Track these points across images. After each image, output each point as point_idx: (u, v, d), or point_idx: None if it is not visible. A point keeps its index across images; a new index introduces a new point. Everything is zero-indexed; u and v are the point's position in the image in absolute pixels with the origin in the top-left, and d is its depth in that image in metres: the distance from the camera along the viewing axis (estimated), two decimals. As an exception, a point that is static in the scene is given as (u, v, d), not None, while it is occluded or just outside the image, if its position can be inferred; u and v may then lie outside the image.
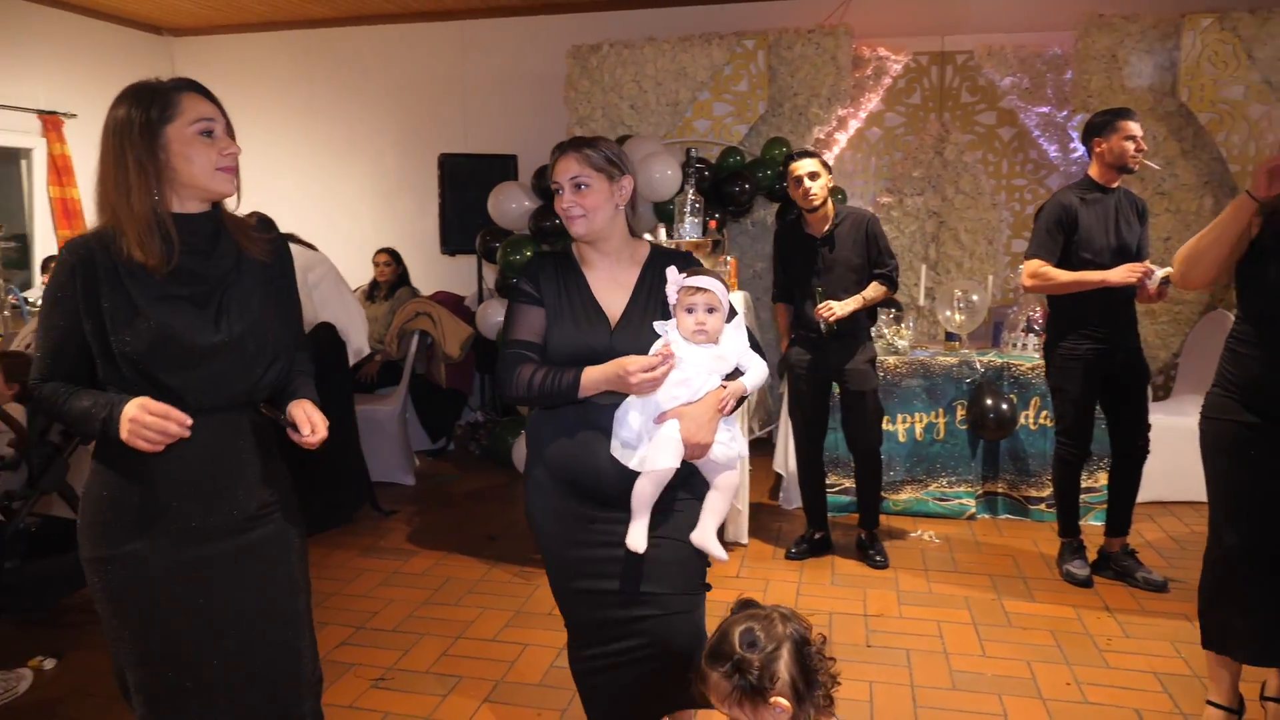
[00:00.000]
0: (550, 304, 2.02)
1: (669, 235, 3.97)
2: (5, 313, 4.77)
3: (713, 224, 4.09)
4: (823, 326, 3.60)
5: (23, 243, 6.51)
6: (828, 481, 4.21)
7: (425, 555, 4.07)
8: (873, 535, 3.92)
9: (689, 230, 3.85)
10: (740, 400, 1.98)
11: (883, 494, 4.39)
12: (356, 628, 3.33)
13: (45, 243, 6.55)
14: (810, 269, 3.71)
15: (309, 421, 1.74)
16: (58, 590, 3.42)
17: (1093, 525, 4.08)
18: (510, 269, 5.19)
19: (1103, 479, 4.19)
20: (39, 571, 3.40)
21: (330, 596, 3.60)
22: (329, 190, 7.29)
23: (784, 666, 1.43)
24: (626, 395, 1.92)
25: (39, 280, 5.95)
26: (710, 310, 1.94)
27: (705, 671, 1.47)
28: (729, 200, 5.24)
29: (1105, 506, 3.69)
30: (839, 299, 3.60)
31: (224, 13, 6.95)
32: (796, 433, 3.98)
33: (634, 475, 1.91)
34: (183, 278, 1.70)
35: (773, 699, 1.43)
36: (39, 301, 5.10)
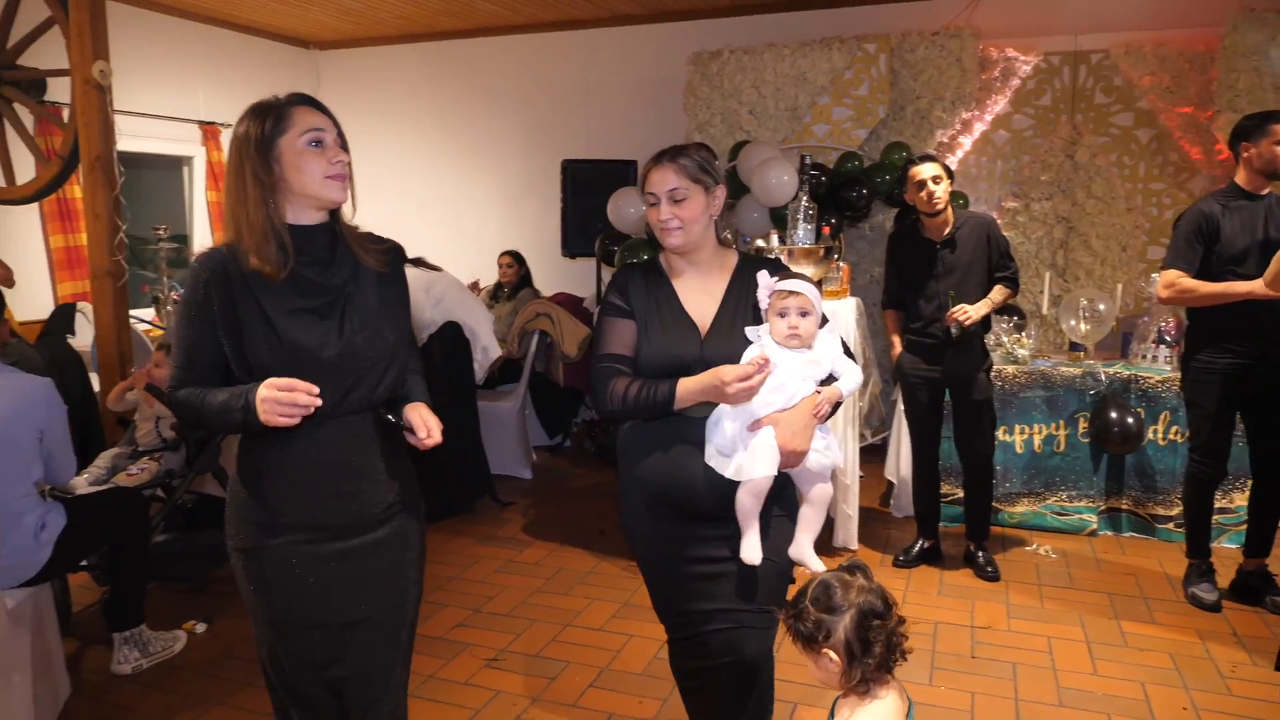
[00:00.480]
0: (640, 315, 2.02)
1: (781, 241, 4.01)
2: (169, 307, 5.22)
3: (826, 230, 4.10)
4: (954, 330, 3.57)
5: (183, 243, 7.09)
6: (941, 491, 4.16)
7: (539, 546, 4.24)
8: (983, 546, 3.85)
9: (802, 236, 3.87)
10: (836, 406, 1.96)
11: (998, 506, 4.31)
12: (473, 610, 3.52)
13: (203, 243, 7.12)
14: (929, 274, 3.68)
15: (424, 425, 1.81)
16: (210, 562, 3.74)
17: (1226, 548, 3.88)
18: (627, 272, 5.33)
19: (1239, 499, 3.98)
20: (194, 544, 3.74)
21: (450, 580, 3.82)
22: (458, 194, 7.63)
23: (842, 628, 1.54)
24: (718, 405, 1.93)
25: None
26: (803, 314, 1.92)
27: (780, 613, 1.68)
28: (846, 206, 5.22)
29: (1241, 528, 3.52)
30: (969, 303, 3.57)
31: (365, 27, 7.37)
32: (912, 440, 3.96)
33: (729, 487, 1.91)
34: (305, 289, 1.78)
35: (824, 650, 1.55)
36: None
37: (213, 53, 7.11)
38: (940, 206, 3.59)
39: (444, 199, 7.64)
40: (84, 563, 3.31)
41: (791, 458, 1.90)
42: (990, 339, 4.49)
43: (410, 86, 7.74)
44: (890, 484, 4.66)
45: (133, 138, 5.86)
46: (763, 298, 1.97)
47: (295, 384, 1.65)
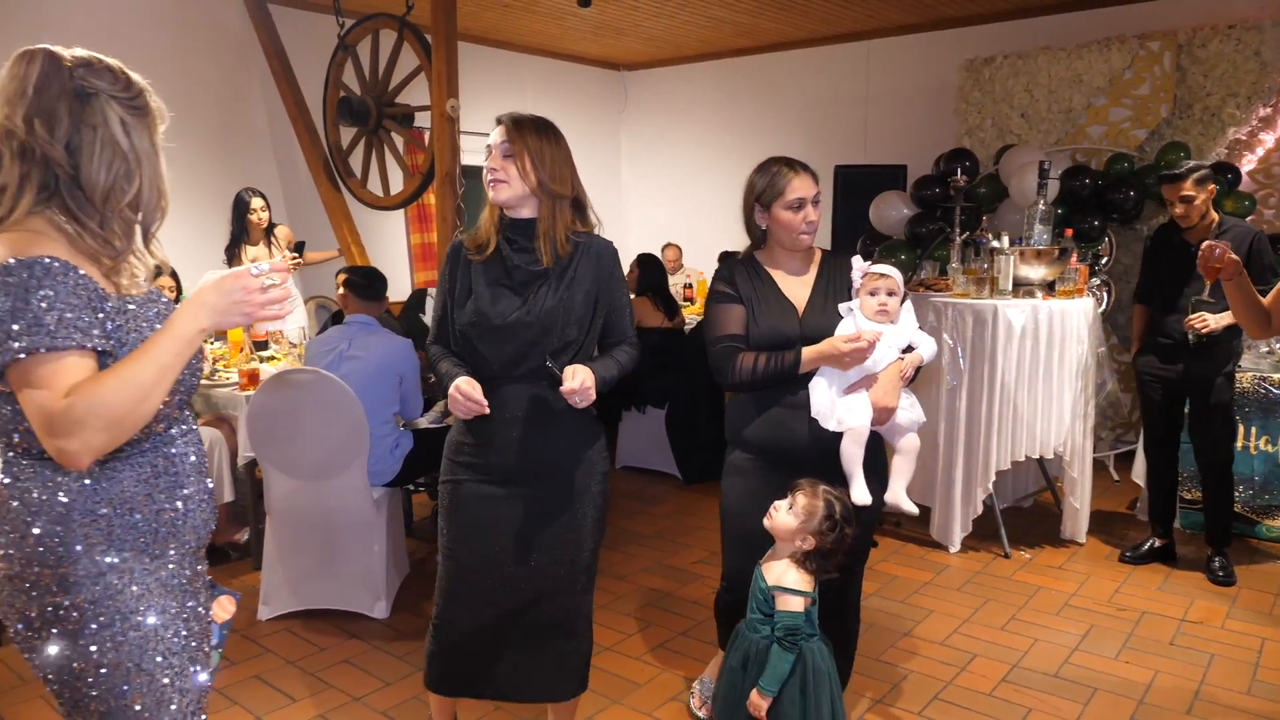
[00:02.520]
0: (748, 300, 2.40)
1: (1014, 242, 4.15)
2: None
3: (1069, 232, 4.21)
4: (1191, 337, 3.61)
5: (510, 241, 8.40)
6: (1188, 497, 4.12)
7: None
8: (1221, 553, 3.79)
9: (1038, 237, 4.03)
10: (918, 370, 2.34)
11: (1254, 518, 4.16)
12: (712, 551, 4.12)
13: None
14: (1179, 276, 3.71)
15: (573, 374, 2.01)
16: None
17: None
18: (883, 271, 5.66)
19: None
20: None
21: (696, 530, 4.45)
22: (740, 201, 8.29)
23: (831, 541, 2.08)
24: (813, 377, 2.32)
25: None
26: (890, 294, 2.31)
27: (816, 494, 2.07)
28: (1113, 208, 5.17)
29: None
30: (1214, 311, 3.56)
31: (667, 50, 8.26)
32: (1144, 438, 3.99)
33: (827, 443, 2.28)
34: (509, 269, 2.16)
35: (810, 539, 2.07)
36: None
37: (538, 78, 8.35)
38: (1193, 221, 3.62)
39: (731, 201, 8.30)
40: (421, 483, 4.36)
41: (883, 414, 2.28)
42: (1264, 346, 4.32)
43: (704, 100, 8.54)
44: (1142, 489, 4.62)
45: (474, 153, 7.16)
46: (856, 279, 2.38)
47: (472, 395, 2.03)
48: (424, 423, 4.41)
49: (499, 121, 2.19)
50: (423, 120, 5.67)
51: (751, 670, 2.12)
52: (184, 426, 1.54)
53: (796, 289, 2.46)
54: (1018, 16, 6.45)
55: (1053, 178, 4.43)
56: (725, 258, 5.25)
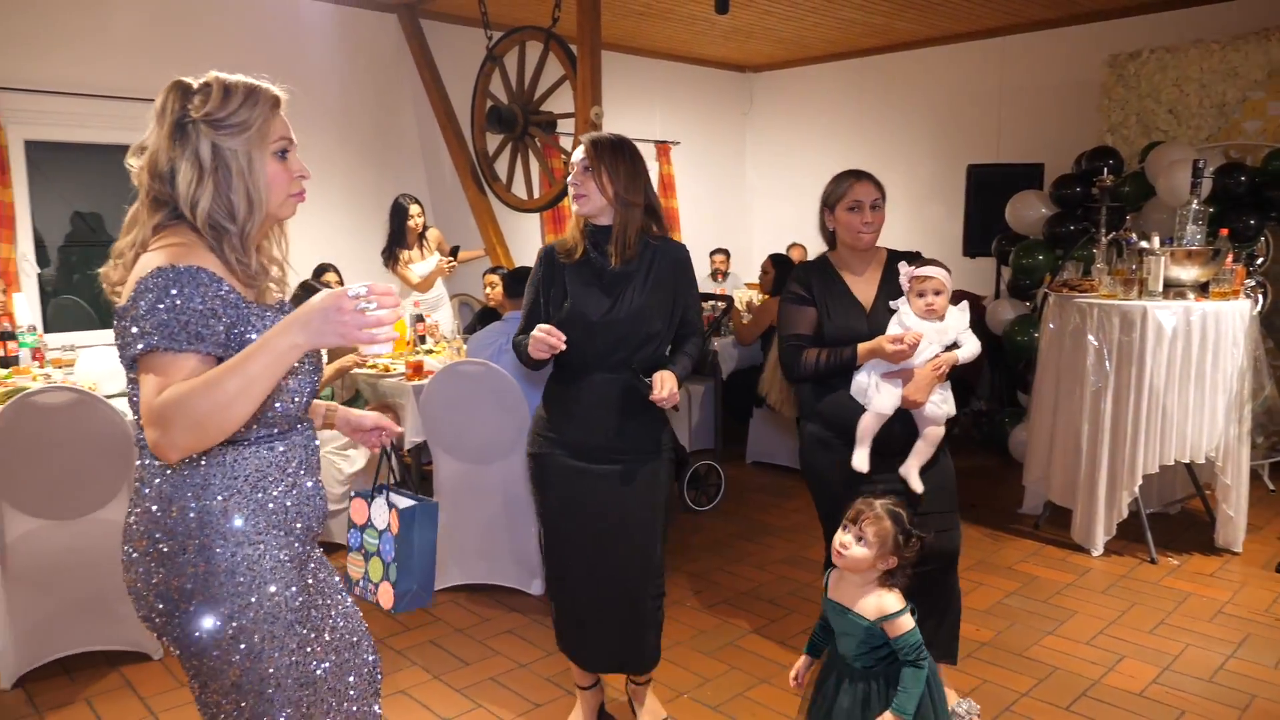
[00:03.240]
0: (820, 301, 2.67)
1: (1164, 242, 4.08)
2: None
3: (1224, 232, 4.10)
4: None
5: (638, 241, 8.63)
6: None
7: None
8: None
9: (1190, 238, 3.96)
10: (953, 368, 2.55)
11: None
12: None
13: (652, 242, 8.59)
14: None
15: (661, 385, 2.32)
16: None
17: None
18: (1021, 271, 5.61)
19: None
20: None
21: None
22: (867, 198, 8.29)
23: (906, 553, 2.04)
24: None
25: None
26: (937, 293, 2.54)
27: (882, 516, 2.00)
28: (1271, 206, 4.99)
29: None
30: None
31: (794, 52, 8.34)
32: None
33: (892, 424, 2.57)
34: (597, 271, 2.44)
35: (891, 558, 2.01)
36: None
37: (668, 83, 8.56)
38: None
39: (854, 203, 8.34)
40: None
41: (911, 405, 2.55)
42: None
43: (830, 100, 8.57)
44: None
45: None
46: (904, 282, 2.58)
47: (552, 330, 2.30)
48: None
49: (579, 142, 2.49)
50: (565, 126, 5.94)
51: (876, 707, 2.03)
52: (304, 425, 1.64)
53: (863, 288, 2.70)
54: (1166, 9, 6.25)
55: (1206, 175, 4.33)
56: (779, 261, 5.43)
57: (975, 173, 6.76)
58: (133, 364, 1.40)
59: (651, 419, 2.51)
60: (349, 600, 1.77)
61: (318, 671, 1.61)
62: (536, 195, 6.10)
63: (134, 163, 1.53)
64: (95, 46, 5.25)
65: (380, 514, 1.88)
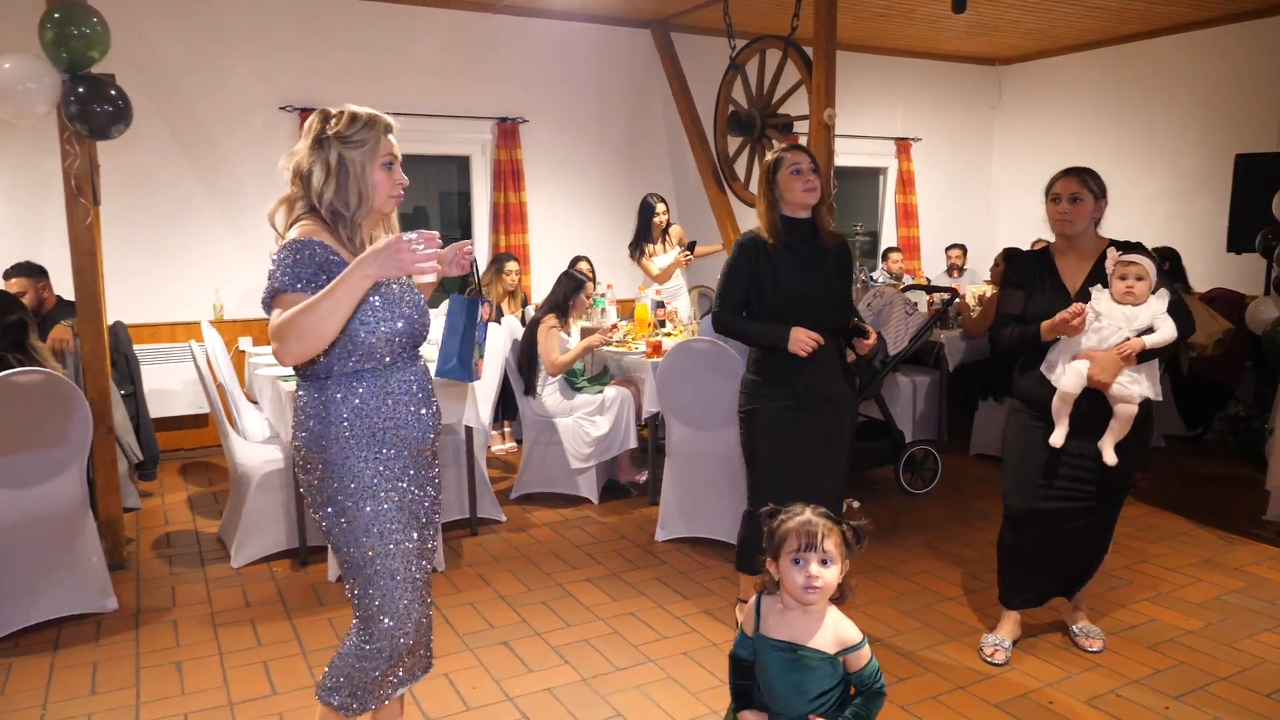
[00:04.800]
0: (1028, 286, 2.99)
1: None
2: (856, 286, 6.80)
3: None
4: None
5: (873, 238, 8.78)
6: None
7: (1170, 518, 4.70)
8: None
9: None
10: (1144, 353, 2.72)
11: None
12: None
13: (889, 238, 8.71)
14: None
15: (869, 334, 3.09)
16: (870, 462, 5.12)
17: None
18: (1285, 267, 5.25)
19: None
20: (860, 450, 5.14)
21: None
22: (1124, 193, 7.89)
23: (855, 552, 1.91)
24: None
25: (880, 266, 8.03)
26: (1139, 279, 2.73)
27: (831, 524, 1.85)
28: None
29: None
30: None
31: (1044, 42, 8.11)
32: None
33: (1079, 401, 2.79)
34: (797, 256, 3.01)
35: (846, 562, 1.88)
36: (878, 278, 7.05)
37: (910, 79, 8.61)
38: None
39: (1115, 194, 7.97)
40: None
41: (1099, 384, 2.76)
42: None
43: (1087, 90, 8.24)
44: None
45: (847, 155, 7.68)
46: (1108, 265, 2.75)
47: (815, 335, 2.92)
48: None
49: (801, 148, 3.06)
50: (801, 128, 6.28)
51: None
52: (409, 365, 2.11)
53: (1073, 275, 2.97)
54: None
55: None
56: (1009, 255, 5.42)
57: (1244, 163, 6.31)
58: (269, 302, 1.93)
59: (848, 374, 3.17)
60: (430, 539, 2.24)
61: (416, 575, 2.10)
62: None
63: (285, 165, 2.07)
64: (400, 71, 6.29)
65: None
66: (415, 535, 2.12)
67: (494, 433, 6.06)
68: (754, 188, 6.55)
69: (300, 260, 1.92)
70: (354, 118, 2.01)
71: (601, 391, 4.91)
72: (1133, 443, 2.88)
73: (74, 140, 3.67)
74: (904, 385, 5.72)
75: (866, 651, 1.88)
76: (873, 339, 3.10)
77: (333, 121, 2.01)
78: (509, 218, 6.65)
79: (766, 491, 3.11)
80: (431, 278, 1.91)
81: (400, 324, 2.05)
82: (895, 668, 3.06)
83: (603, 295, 5.92)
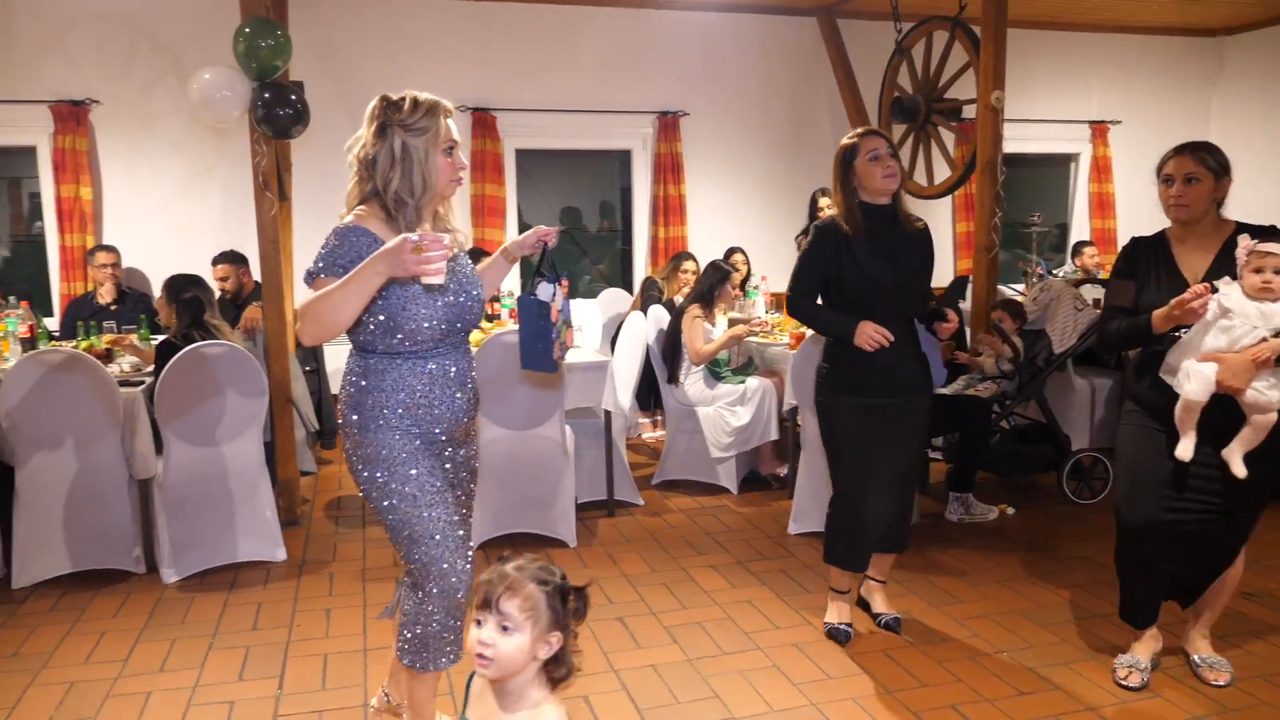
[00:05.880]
0: (1141, 276, 2.71)
1: None
2: (1033, 280, 6.38)
3: None
4: None
5: (1063, 230, 8.17)
6: None
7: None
8: None
9: None
10: None
11: None
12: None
13: (1080, 230, 8.07)
14: None
15: (953, 318, 2.98)
16: (1031, 468, 4.83)
17: None
18: None
19: None
20: (1019, 452, 4.85)
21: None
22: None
23: (573, 622, 1.50)
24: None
25: (1070, 261, 7.46)
26: (1277, 272, 2.35)
27: (520, 580, 1.45)
28: None
29: None
30: None
31: (1274, 7, 7.23)
32: None
33: (1213, 405, 2.44)
34: (877, 244, 2.92)
35: (552, 635, 1.46)
36: (1059, 273, 6.59)
37: (1109, 57, 7.94)
38: None
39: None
40: (938, 446, 4.77)
41: (1230, 390, 2.41)
42: None
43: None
44: None
45: (1019, 140, 7.20)
46: (1240, 256, 2.37)
47: (881, 330, 2.83)
48: (944, 390, 4.80)
49: (878, 133, 2.99)
50: (970, 113, 5.98)
51: None
52: (450, 350, 2.17)
53: (1195, 264, 2.65)
54: None
55: None
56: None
57: None
58: (308, 283, 2.04)
59: (925, 366, 3.08)
60: (469, 513, 2.37)
61: (458, 534, 2.17)
62: (935, 182, 6.21)
63: (351, 152, 2.15)
64: (565, 69, 6.54)
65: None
66: (450, 503, 2.19)
67: (644, 420, 6.18)
68: (919, 177, 6.33)
69: (341, 247, 2.02)
70: (416, 104, 2.06)
71: (744, 382, 4.91)
72: (1272, 451, 2.51)
73: (262, 140, 4.11)
74: (1080, 388, 5.34)
75: None
76: (953, 322, 2.98)
77: (395, 108, 2.06)
78: (668, 210, 6.76)
79: (844, 481, 3.12)
80: (439, 279, 1.89)
81: (443, 311, 2.11)
82: (1016, 681, 2.90)
83: (756, 287, 5.90)
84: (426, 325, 2.08)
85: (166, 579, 3.74)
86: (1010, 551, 4.01)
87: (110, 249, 5.35)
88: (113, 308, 5.15)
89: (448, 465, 2.24)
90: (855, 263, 2.94)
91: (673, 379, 4.98)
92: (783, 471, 5.02)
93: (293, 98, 4.04)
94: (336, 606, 3.52)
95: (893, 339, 2.86)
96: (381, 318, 2.06)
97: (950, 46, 5.75)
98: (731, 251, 6.07)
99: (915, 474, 3.16)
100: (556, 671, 1.47)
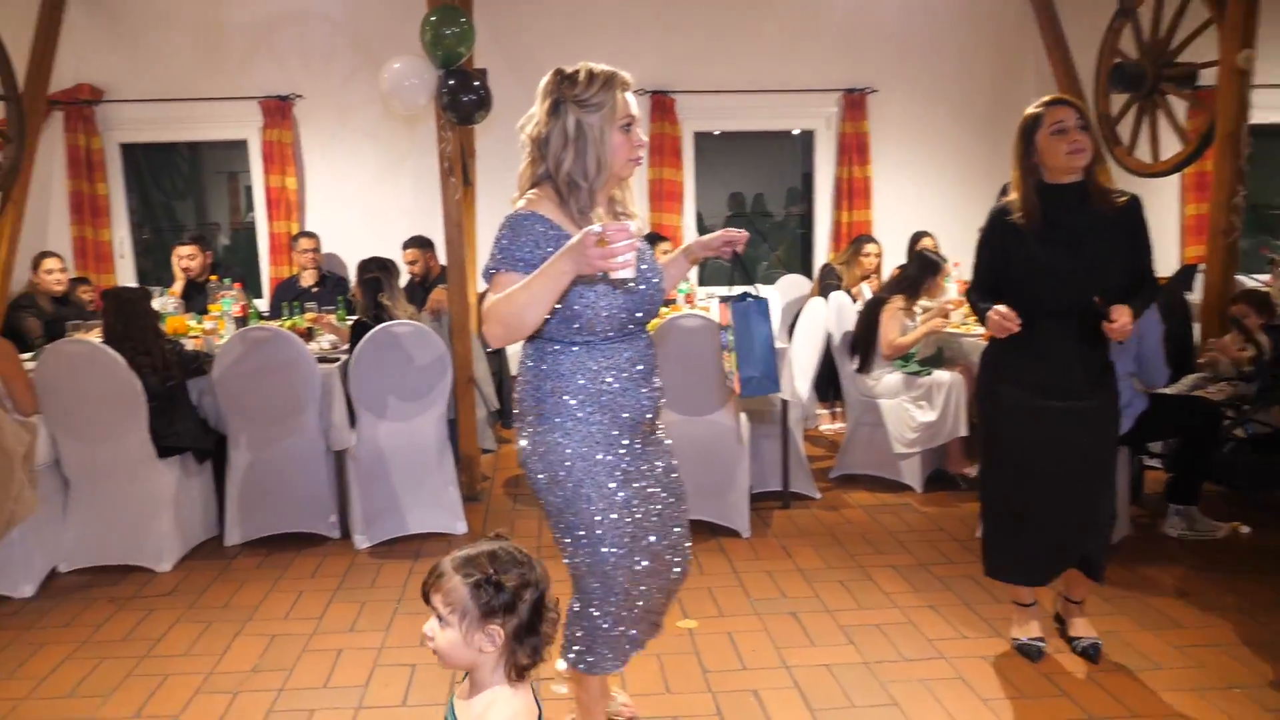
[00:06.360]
0: None
1: None
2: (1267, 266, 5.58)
3: None
4: None
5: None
6: None
7: None
8: None
9: None
10: None
11: None
12: None
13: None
14: None
15: (1120, 313, 2.46)
16: (1272, 482, 4.24)
17: None
18: None
19: None
20: (1259, 466, 4.27)
21: None
22: None
23: (525, 608, 1.44)
24: None
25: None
26: None
27: (448, 571, 1.44)
28: None
29: None
30: None
31: None
32: None
33: None
34: (1055, 228, 2.58)
35: (491, 626, 1.42)
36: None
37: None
38: None
39: None
40: (1157, 453, 4.28)
41: None
42: None
43: None
44: None
45: (1270, 109, 6.33)
46: None
47: (1009, 314, 2.55)
48: (1167, 390, 4.30)
49: (1066, 102, 2.62)
50: (1208, 78, 5.32)
51: None
52: (630, 340, 2.03)
53: None
54: None
55: None
56: None
57: None
58: (487, 280, 1.94)
59: (1103, 358, 2.70)
60: (676, 506, 2.18)
61: (641, 540, 2.04)
62: (1162, 159, 5.58)
63: (524, 131, 2.02)
64: (745, 48, 6.36)
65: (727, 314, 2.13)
66: (635, 504, 2.05)
67: (823, 411, 5.96)
68: (1140, 154, 5.70)
69: (517, 238, 1.90)
70: (591, 77, 1.92)
71: (931, 374, 4.60)
72: None
73: (447, 127, 4.24)
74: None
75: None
76: (1120, 320, 2.47)
77: (569, 82, 1.93)
78: (852, 193, 6.47)
79: (1002, 487, 2.81)
80: (628, 273, 1.70)
81: (622, 299, 1.98)
82: (1183, 705, 2.53)
83: (948, 274, 5.53)
84: (606, 315, 1.97)
85: (358, 545, 3.94)
86: (1244, 575, 3.51)
87: (311, 235, 5.72)
88: (314, 290, 5.51)
89: (632, 460, 2.06)
90: (1025, 251, 2.65)
91: (865, 368, 4.73)
92: (972, 472, 4.67)
93: (475, 84, 4.13)
94: (510, 582, 3.58)
95: (1020, 325, 2.55)
96: (558, 306, 1.93)
97: (1187, 2, 5.13)
98: (919, 236, 5.72)
99: (1102, 493, 2.75)
100: (520, 659, 1.46)
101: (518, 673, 1.46)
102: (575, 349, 2.00)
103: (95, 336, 3.85)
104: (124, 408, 3.56)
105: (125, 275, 6.38)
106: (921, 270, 4.70)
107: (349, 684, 2.85)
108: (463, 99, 4.08)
